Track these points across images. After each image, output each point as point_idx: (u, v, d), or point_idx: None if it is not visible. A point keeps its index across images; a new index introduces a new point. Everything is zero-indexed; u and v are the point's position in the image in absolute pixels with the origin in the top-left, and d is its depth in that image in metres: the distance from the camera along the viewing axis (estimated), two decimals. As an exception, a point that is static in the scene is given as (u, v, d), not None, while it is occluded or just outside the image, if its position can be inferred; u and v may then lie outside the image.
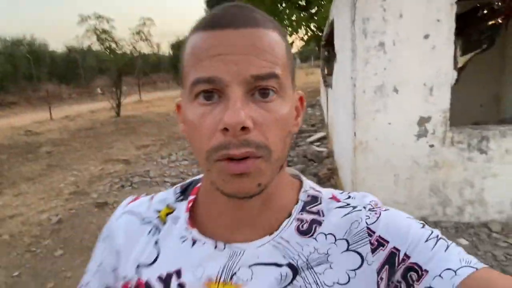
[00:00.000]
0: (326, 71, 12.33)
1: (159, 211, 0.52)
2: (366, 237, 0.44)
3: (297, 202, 0.48)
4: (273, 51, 0.40)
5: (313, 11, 16.44)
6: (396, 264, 0.42)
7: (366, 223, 0.45)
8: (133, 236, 0.50)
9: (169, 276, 0.45)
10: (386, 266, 0.42)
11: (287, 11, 16.33)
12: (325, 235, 0.45)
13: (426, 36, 3.03)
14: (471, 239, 3.05)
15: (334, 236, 0.45)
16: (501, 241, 2.99)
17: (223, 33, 0.39)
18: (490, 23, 6.81)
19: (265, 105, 0.40)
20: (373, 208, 0.47)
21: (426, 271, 0.39)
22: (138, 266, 0.48)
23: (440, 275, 0.38)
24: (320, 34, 17.07)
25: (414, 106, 3.18)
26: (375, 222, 0.45)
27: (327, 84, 9.71)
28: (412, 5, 2.99)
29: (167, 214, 0.51)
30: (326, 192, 0.50)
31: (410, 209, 3.38)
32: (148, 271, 0.47)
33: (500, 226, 3.18)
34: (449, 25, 2.99)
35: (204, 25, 0.41)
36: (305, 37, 17.71)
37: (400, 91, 3.16)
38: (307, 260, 0.44)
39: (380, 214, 0.45)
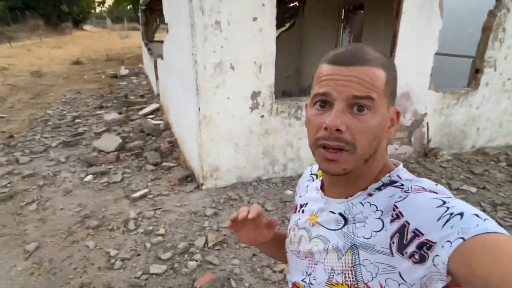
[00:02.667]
0: (147, 38, 11.77)
1: (316, 171, 0.84)
2: (390, 211, 0.60)
3: (377, 182, 0.65)
4: (372, 81, 0.59)
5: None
6: (405, 233, 0.56)
7: (395, 200, 0.60)
8: (302, 182, 0.86)
9: (303, 205, 0.79)
10: (397, 234, 0.57)
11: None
12: (370, 204, 0.64)
13: (255, 19, 3.40)
14: (294, 189, 3.81)
15: (376, 206, 0.63)
16: (313, 187, 3.87)
17: (340, 68, 0.60)
18: (290, 5, 8.06)
19: (360, 117, 0.60)
20: (408, 190, 0.60)
21: (435, 243, 0.51)
22: (300, 196, 0.84)
23: (442, 246, 0.50)
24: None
25: (247, 82, 3.57)
26: (401, 201, 0.59)
27: (152, 53, 9.37)
28: (242, -12, 3.26)
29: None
30: (405, 178, 0.65)
31: (248, 171, 3.89)
32: (299, 199, 0.83)
33: (312, 175, 4.09)
34: (271, 10, 3.44)
35: (328, 61, 0.63)
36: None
37: (236, 68, 3.47)
38: (353, 217, 0.65)
39: (407, 196, 0.59)
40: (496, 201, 3.59)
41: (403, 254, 0.55)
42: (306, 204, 0.78)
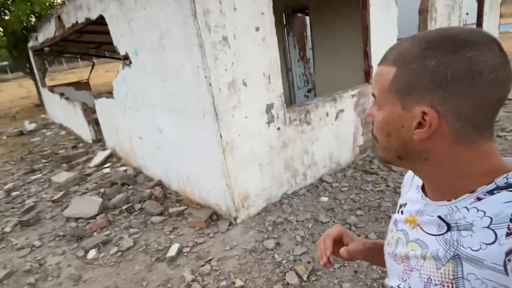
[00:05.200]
0: (44, 84, 10.36)
1: None
2: (507, 222, 0.51)
3: (488, 184, 0.55)
4: (378, 79, 0.61)
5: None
6: None
7: None
8: (407, 180, 0.79)
9: (402, 205, 0.75)
10: None
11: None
12: (477, 210, 0.55)
13: (257, 29, 3.18)
14: (326, 194, 3.68)
15: (484, 212, 0.54)
16: (340, 186, 3.79)
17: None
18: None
19: (376, 112, 0.64)
20: None
21: None
22: (402, 196, 0.78)
23: None
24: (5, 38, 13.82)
25: (260, 96, 3.32)
26: None
27: (68, 98, 8.25)
28: (241, -2, 3.03)
29: None
30: None
31: (274, 190, 3.62)
32: (400, 199, 0.78)
33: (331, 177, 4.01)
34: (270, 18, 3.26)
35: None
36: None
37: (248, 84, 3.20)
38: (456, 222, 0.57)
39: None
40: None
41: None
42: (405, 204, 0.73)
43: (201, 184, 3.66)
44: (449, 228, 0.58)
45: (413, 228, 0.67)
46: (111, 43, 4.35)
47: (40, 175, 5.68)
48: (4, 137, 9.40)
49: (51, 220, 4.03)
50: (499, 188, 0.54)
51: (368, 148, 4.61)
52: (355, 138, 4.40)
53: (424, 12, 5.12)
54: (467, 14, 7.21)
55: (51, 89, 9.87)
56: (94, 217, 3.86)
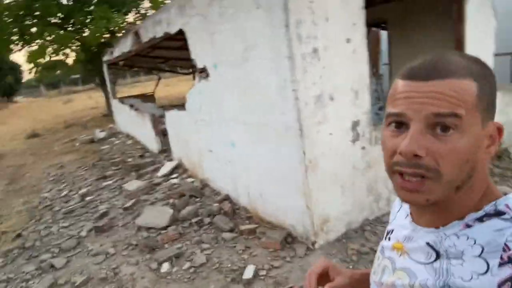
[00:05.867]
0: (115, 96, 11.00)
1: None
2: (499, 251, 0.49)
3: (477, 211, 0.54)
4: (459, 95, 0.51)
5: (71, 28, 14.28)
6: None
7: (507, 239, 0.50)
8: (396, 204, 0.77)
9: (390, 231, 0.73)
10: (509, 283, 0.47)
11: (37, 28, 13.39)
12: (468, 237, 0.53)
13: (348, 40, 2.99)
14: (414, 223, 3.30)
15: (475, 240, 0.53)
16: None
17: (417, 84, 0.53)
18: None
19: (444, 138, 0.52)
20: None
21: None
22: (390, 222, 0.77)
23: None
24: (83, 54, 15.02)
25: (346, 111, 3.10)
26: None
27: (137, 109, 8.62)
28: (334, 8, 2.86)
29: None
30: None
31: (356, 215, 3.33)
32: (389, 226, 0.76)
33: (416, 204, 3.62)
34: (361, 29, 3.07)
35: (403, 76, 0.56)
36: (69, 58, 15.19)
37: (334, 99, 2.99)
38: (446, 250, 0.56)
39: None
40: None
41: None
42: (393, 230, 0.71)
43: (275, 202, 3.47)
44: (438, 256, 0.57)
45: (400, 255, 0.65)
46: (178, 59, 4.42)
47: (111, 182, 5.90)
48: (77, 144, 10.08)
49: (123, 227, 4.09)
50: (487, 215, 0.53)
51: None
52: (442, 162, 3.96)
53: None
54: None
55: (122, 100, 10.46)
56: (165, 228, 3.83)
